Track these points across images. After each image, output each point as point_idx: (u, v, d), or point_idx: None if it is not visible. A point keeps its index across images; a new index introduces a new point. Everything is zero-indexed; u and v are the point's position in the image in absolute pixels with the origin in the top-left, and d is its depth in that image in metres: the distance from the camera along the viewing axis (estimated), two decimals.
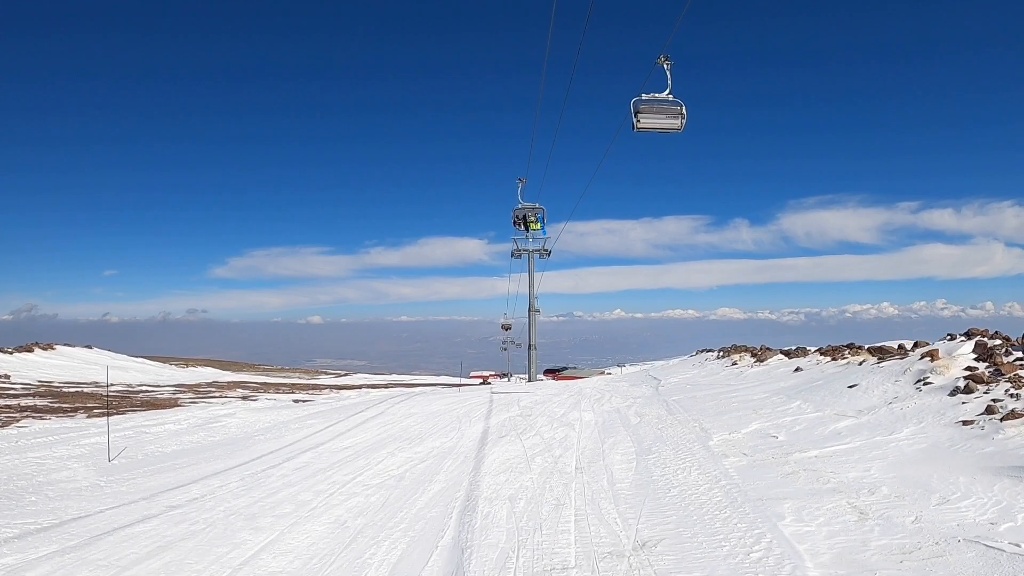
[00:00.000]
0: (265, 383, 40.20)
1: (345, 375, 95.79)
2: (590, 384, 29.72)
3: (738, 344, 33.51)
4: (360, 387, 39.41)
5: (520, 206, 41.14)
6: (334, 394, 30.09)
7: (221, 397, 25.91)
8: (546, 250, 44.39)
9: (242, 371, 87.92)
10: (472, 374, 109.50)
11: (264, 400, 24.99)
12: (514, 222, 41.35)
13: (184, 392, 28.62)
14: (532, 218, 41.17)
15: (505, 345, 77.10)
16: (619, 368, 52.94)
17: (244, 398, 25.81)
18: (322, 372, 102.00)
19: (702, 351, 38.67)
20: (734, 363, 27.56)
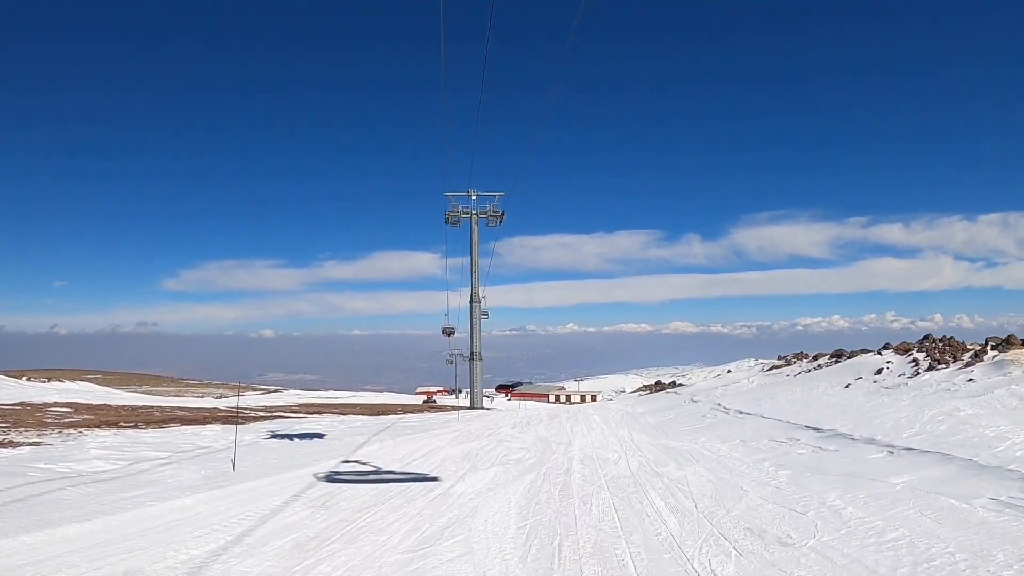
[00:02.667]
0: (127, 407, 31.52)
1: (276, 391, 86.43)
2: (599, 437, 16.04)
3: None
4: (271, 414, 31.23)
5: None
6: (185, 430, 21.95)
7: None
8: (497, 212, 34.39)
9: (131, 386, 77.54)
10: (418, 390, 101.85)
11: None
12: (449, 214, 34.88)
13: None
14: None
15: (451, 357, 69.32)
16: (597, 394, 47.61)
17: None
18: (252, 388, 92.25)
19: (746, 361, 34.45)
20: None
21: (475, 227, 35.32)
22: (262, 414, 26.17)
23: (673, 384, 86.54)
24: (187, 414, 25.37)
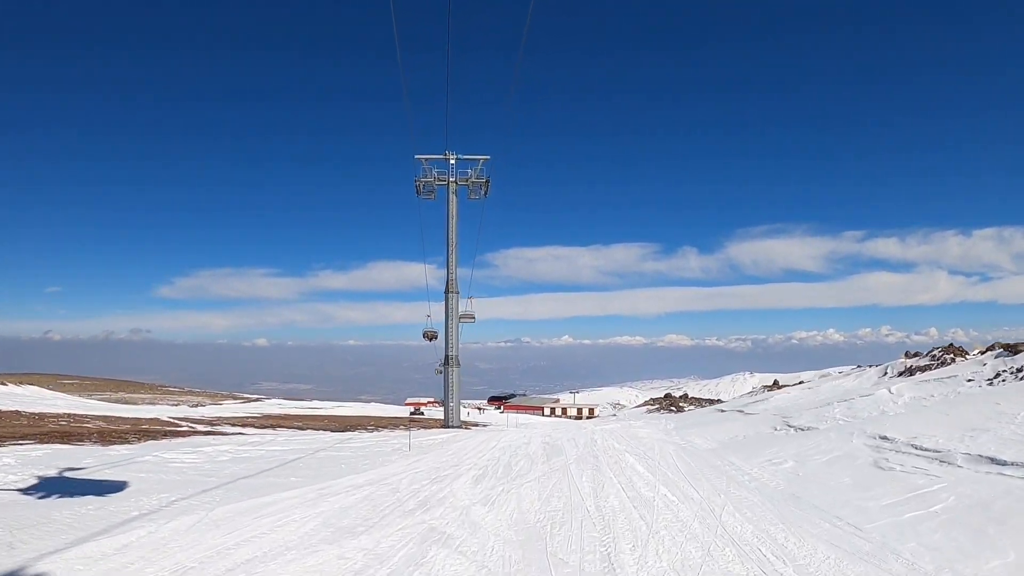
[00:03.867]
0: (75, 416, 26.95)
1: (257, 400, 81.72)
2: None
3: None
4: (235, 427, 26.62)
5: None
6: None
7: None
8: (480, 180, 28.09)
9: (106, 392, 72.31)
10: (408, 401, 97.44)
11: None
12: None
13: None
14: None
15: (440, 367, 64.60)
16: (594, 407, 44.48)
17: None
18: (233, 397, 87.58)
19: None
20: None
21: (453, 197, 28.71)
22: (184, 428, 21.00)
23: (685, 399, 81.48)
24: (106, 425, 20.79)
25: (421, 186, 28.75)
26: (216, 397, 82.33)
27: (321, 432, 21.67)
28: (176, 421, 25.82)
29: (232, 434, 18.82)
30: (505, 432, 23.75)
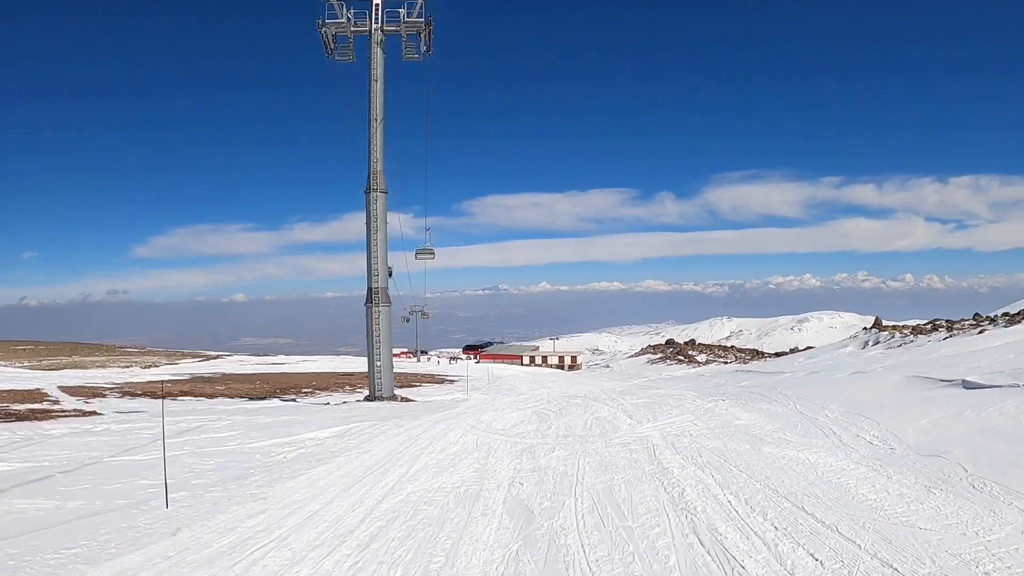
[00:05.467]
0: None
1: (218, 357, 76.98)
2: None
3: None
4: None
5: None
6: None
7: None
8: (418, 25, 19.52)
9: (59, 356, 67.08)
10: None
11: None
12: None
13: None
14: None
15: (408, 315, 59.82)
16: (577, 355, 42.26)
17: None
18: (192, 355, 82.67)
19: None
20: None
21: (377, 51, 19.78)
22: (44, 406, 15.87)
23: (693, 345, 67.04)
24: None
25: (330, 38, 19.66)
26: (174, 356, 77.38)
27: (224, 401, 17.21)
28: (67, 392, 20.90)
29: (79, 414, 14.11)
30: (468, 407, 16.51)
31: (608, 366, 64.65)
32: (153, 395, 19.19)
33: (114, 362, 71.47)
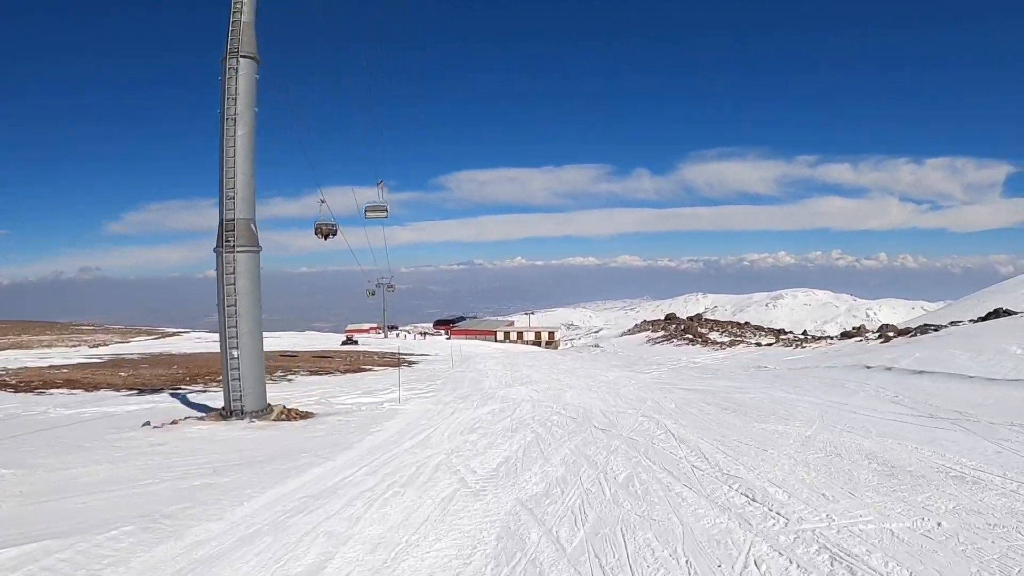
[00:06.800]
0: None
1: (173, 335, 73.03)
2: None
3: None
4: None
5: None
6: None
7: None
8: None
9: None
10: (347, 328, 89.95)
11: None
12: None
13: None
14: None
15: (373, 289, 56.04)
16: (554, 331, 38.85)
17: None
18: (148, 332, 78.47)
19: None
20: None
21: None
22: None
23: (700, 321, 53.46)
24: None
25: None
26: (129, 334, 73.12)
27: (78, 398, 13.91)
28: None
29: None
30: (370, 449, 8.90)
31: (598, 346, 54.95)
32: (20, 387, 15.75)
33: (64, 341, 67.12)
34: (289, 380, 19.08)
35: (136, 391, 15.07)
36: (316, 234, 18.69)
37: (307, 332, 78.76)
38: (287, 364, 23.93)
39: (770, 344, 34.96)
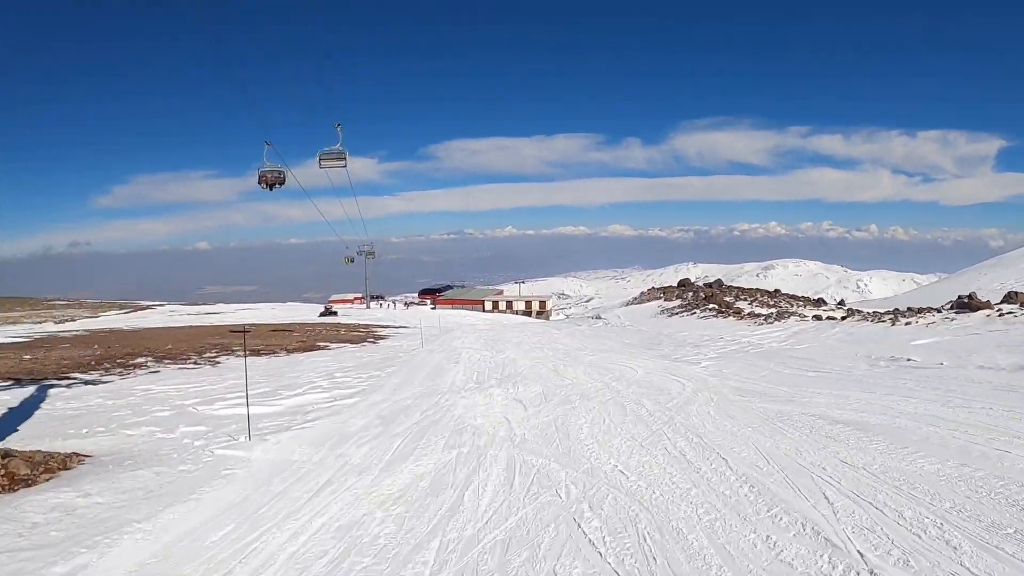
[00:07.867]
0: None
1: (146, 308, 70.14)
2: None
3: None
4: None
5: None
6: None
7: None
8: None
9: None
10: (331, 299, 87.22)
11: None
12: None
13: None
14: None
15: (352, 256, 52.62)
16: (546, 301, 36.22)
17: None
18: (120, 305, 75.52)
19: None
20: None
21: None
22: None
23: (721, 287, 44.39)
24: None
25: None
26: (99, 309, 70.22)
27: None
28: None
29: None
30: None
31: (601, 318, 45.72)
32: None
33: (32, 317, 64.46)
34: (156, 372, 14.68)
35: (13, 381, 12.23)
36: (260, 183, 15.38)
37: (289, 303, 75.97)
38: (225, 342, 20.56)
39: (843, 318, 24.32)
